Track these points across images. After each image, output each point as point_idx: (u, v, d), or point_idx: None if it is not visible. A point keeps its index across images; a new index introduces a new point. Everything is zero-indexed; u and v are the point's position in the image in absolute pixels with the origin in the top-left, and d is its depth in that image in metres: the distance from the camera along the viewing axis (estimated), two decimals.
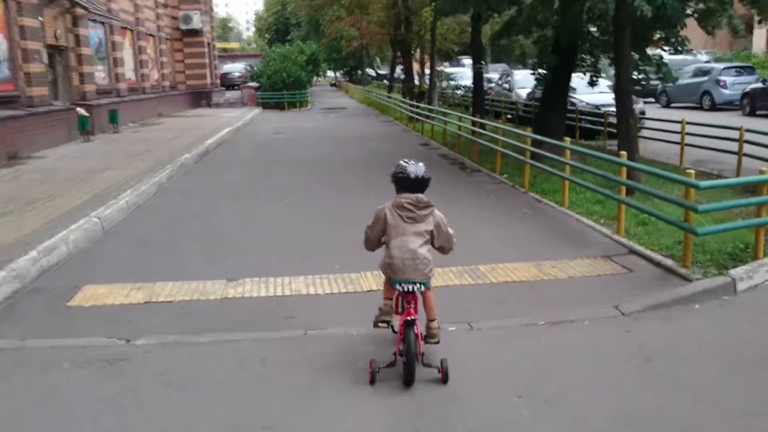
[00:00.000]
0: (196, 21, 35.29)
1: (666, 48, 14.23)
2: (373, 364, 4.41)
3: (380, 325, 4.61)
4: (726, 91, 26.83)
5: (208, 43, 38.78)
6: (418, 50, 33.34)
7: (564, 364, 4.69)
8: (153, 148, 16.75)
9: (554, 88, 14.30)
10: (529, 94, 23.26)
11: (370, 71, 70.97)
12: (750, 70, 28.50)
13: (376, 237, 4.59)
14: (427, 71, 27.00)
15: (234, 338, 5.12)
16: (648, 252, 7.04)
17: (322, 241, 8.24)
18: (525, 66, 67.46)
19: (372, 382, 4.38)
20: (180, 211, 10.15)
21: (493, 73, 44.98)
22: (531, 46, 66.12)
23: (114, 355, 4.84)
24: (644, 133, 16.47)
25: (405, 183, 4.49)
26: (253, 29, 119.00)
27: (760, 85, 24.61)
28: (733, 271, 6.17)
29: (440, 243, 4.57)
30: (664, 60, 13.99)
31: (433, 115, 20.80)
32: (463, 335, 5.19)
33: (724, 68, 28.18)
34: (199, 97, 36.63)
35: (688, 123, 13.68)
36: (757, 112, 23.85)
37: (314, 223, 9.19)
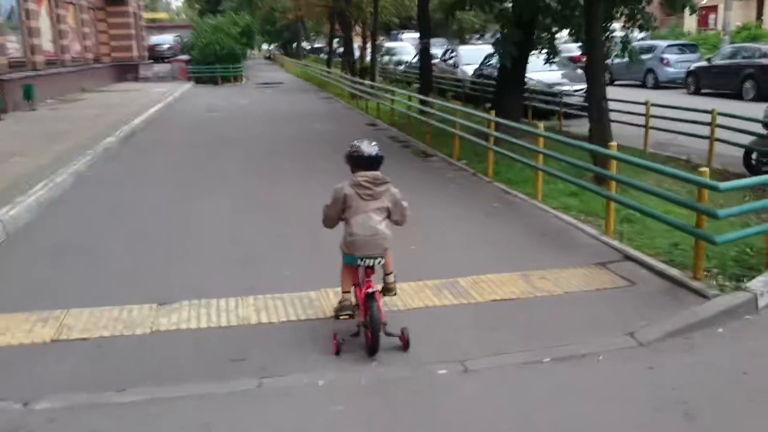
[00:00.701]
0: None
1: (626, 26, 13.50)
2: (338, 335, 4.54)
3: (342, 317, 4.66)
4: (670, 69, 26.61)
5: (134, 13, 36.49)
6: (357, 23, 32.09)
7: (585, 420, 3.76)
8: (73, 128, 15.11)
9: (512, 66, 13.41)
10: (476, 71, 22.40)
11: (306, 44, 69.06)
12: (693, 48, 28.39)
13: (336, 215, 4.70)
14: (369, 46, 25.79)
15: (166, 395, 3.99)
16: (646, 258, 6.19)
17: (268, 240, 7.16)
18: (462, 41, 67.06)
19: (337, 353, 4.51)
20: (102, 207, 8.81)
21: (433, 49, 44.30)
22: (470, 21, 65.48)
23: (5, 427, 3.65)
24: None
25: (360, 162, 4.66)
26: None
27: (704, 63, 24.43)
28: (751, 285, 5.38)
29: (396, 217, 4.75)
30: (629, 39, 13.27)
31: (379, 92, 19.71)
32: (458, 381, 4.20)
33: (668, 46, 27.97)
34: (126, 71, 34.42)
35: (652, 105, 13.01)
36: (702, 91, 23.66)
37: (256, 219, 8.09)
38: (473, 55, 25.89)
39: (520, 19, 12.39)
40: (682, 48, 28.11)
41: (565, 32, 14.45)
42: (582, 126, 15.87)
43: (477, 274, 5.94)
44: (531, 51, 13.67)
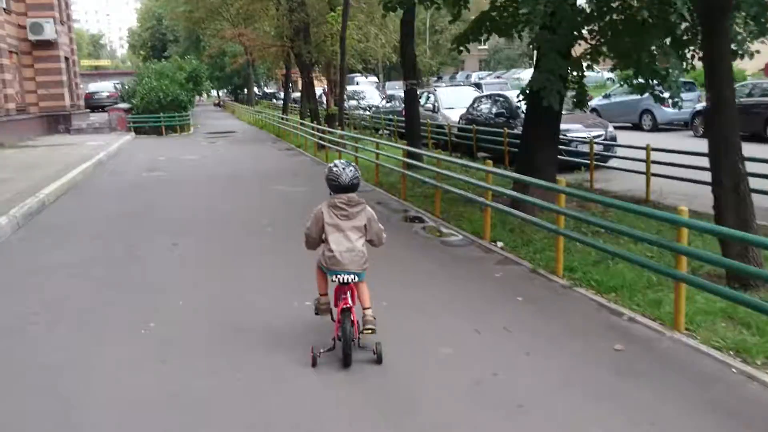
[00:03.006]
0: (49, 31, 29.13)
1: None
2: (314, 349, 4.84)
3: (321, 312, 5.21)
4: (669, 110, 24.05)
5: (66, 58, 32.61)
6: (316, 66, 28.95)
7: None
8: None
9: (542, 108, 10.24)
10: (464, 116, 19.31)
11: (257, 90, 65.90)
12: (691, 86, 25.97)
13: (317, 235, 4.98)
14: (331, 90, 22.57)
15: None
16: None
17: (228, 406, 3.69)
18: (419, 84, 64.91)
19: (314, 365, 4.78)
20: None
21: (390, 90, 41.28)
22: (427, 63, 63.16)
23: None
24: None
25: (338, 188, 4.91)
26: (127, 46, 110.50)
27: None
28: None
29: (371, 236, 5.00)
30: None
31: (354, 144, 16.40)
32: None
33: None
34: (56, 122, 30.38)
35: (655, 150, 10.31)
36: None
37: (211, 369, 4.71)
38: (453, 98, 22.96)
39: (567, 44, 9.26)
40: None
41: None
42: (616, 180, 12.94)
43: None
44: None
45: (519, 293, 6.46)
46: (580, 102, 10.91)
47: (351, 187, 4.90)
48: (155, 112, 31.39)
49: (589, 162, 13.08)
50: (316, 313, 5.24)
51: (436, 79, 63.67)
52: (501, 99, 17.74)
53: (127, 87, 35.54)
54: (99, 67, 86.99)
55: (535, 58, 10.40)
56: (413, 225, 10.01)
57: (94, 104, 42.38)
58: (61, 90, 30.62)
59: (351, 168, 4.93)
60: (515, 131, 15.78)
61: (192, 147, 24.63)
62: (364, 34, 24.95)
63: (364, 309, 4.91)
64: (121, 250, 8.66)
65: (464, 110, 20.69)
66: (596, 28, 9.80)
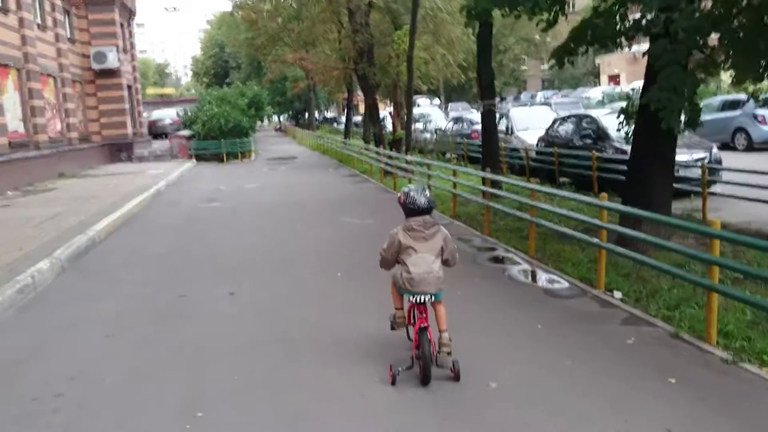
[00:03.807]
0: (112, 59, 29.03)
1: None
2: (394, 367, 4.92)
3: (398, 327, 5.30)
4: (766, 128, 22.01)
5: (129, 86, 32.51)
6: (379, 88, 27.89)
7: None
8: None
9: (657, 130, 8.74)
10: (543, 138, 17.79)
11: (317, 114, 65.54)
12: None
13: (392, 258, 5.08)
14: (398, 113, 21.35)
15: None
16: None
17: None
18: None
19: (393, 383, 4.85)
20: None
21: (453, 112, 39.83)
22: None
23: None
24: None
25: (414, 211, 5.02)
26: (191, 74, 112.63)
27: None
28: None
29: (446, 256, 5.06)
30: None
31: (421, 168, 15.10)
32: None
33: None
34: (119, 150, 30.18)
35: None
36: None
37: None
38: (528, 119, 21.44)
39: (687, 54, 7.76)
40: None
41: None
42: (726, 209, 11.28)
43: None
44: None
45: (667, 371, 4.96)
46: (693, 121, 9.32)
47: (427, 210, 5.03)
48: (216, 139, 30.86)
49: (699, 189, 11.43)
50: (392, 328, 5.37)
51: (499, 99, 62.20)
52: (587, 120, 16.16)
53: (189, 113, 35.28)
54: (164, 95, 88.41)
55: (645, 74, 8.90)
56: (505, 267, 8.58)
57: (157, 131, 42.49)
58: (123, 118, 30.42)
59: (426, 191, 5.11)
60: (604, 155, 14.24)
61: (253, 174, 23.77)
62: (431, 54, 23.73)
63: (441, 331, 5.01)
64: (170, 302, 7.50)
65: (540, 132, 19.20)
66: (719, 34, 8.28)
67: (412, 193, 5.04)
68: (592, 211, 10.58)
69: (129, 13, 33.96)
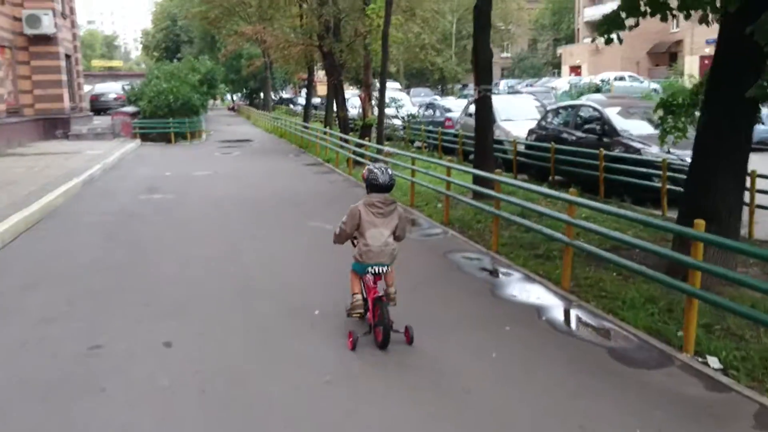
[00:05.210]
0: (47, 24, 25.91)
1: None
2: (354, 333, 5.29)
3: (354, 315, 5.48)
4: (761, 127, 20.49)
5: (68, 55, 29.41)
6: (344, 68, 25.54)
7: None
8: None
9: (733, 132, 6.83)
10: (534, 131, 15.84)
11: (273, 94, 62.62)
12: None
13: (350, 230, 5.44)
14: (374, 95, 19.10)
15: None
16: None
17: None
18: (444, 92, 61.36)
19: (353, 348, 5.22)
20: None
21: (415, 98, 37.58)
22: (452, 70, 59.71)
23: None
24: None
25: (376, 188, 5.39)
26: (141, 48, 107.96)
27: None
28: None
29: (398, 233, 5.48)
30: None
31: (409, 165, 12.98)
32: None
33: None
34: (54, 126, 27.16)
35: None
36: None
37: None
38: (512, 108, 19.44)
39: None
40: None
41: None
42: (765, 223, 9.51)
43: None
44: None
45: None
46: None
47: (388, 187, 5.42)
48: (164, 117, 28.17)
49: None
50: (348, 315, 5.54)
51: (461, 87, 60.17)
52: (589, 111, 14.24)
53: (135, 88, 32.35)
54: (112, 68, 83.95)
55: (714, 63, 6.92)
56: (538, 306, 6.50)
57: (100, 107, 39.22)
58: (60, 90, 27.36)
59: (389, 170, 5.48)
60: (613, 153, 12.36)
61: (203, 159, 21.29)
62: (404, 33, 21.51)
63: (388, 286, 5.50)
64: (76, 358, 5.23)
65: (526, 123, 17.29)
66: None
67: (375, 171, 5.40)
68: (622, 223, 8.71)
69: None
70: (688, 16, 6.67)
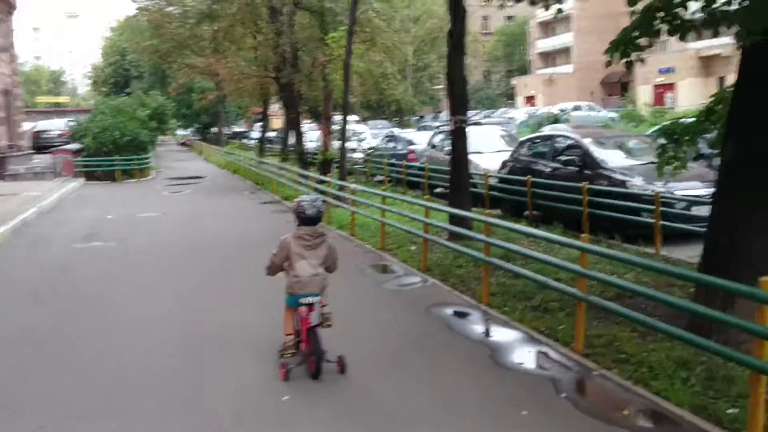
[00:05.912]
0: None
1: None
2: (287, 365, 5.38)
3: (286, 355, 5.46)
4: None
5: (7, 91, 27.75)
6: (301, 101, 24.44)
7: None
8: None
9: (759, 155, 5.89)
10: (507, 162, 14.89)
11: (225, 129, 61.06)
12: None
13: (280, 262, 5.52)
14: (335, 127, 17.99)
15: None
16: None
17: None
18: (402, 124, 60.78)
19: (286, 379, 5.30)
20: None
21: (373, 130, 36.46)
22: (410, 102, 59.24)
23: None
24: None
25: (304, 220, 5.46)
26: (89, 83, 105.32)
27: None
28: None
29: (328, 264, 5.56)
30: None
31: (379, 205, 11.84)
32: None
33: None
34: None
35: None
36: None
37: None
38: (479, 139, 18.44)
39: None
40: None
41: None
42: None
43: None
44: None
45: None
46: None
47: (316, 219, 5.48)
48: (109, 154, 26.60)
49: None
50: (281, 356, 5.48)
51: (417, 118, 59.63)
52: (567, 141, 13.36)
53: (79, 124, 30.68)
54: (59, 104, 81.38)
55: (738, 84, 5.99)
56: (556, 379, 5.37)
57: (43, 144, 37.06)
58: None
59: (318, 202, 5.58)
60: (596, 186, 11.46)
61: (151, 198, 19.82)
62: (366, 63, 20.58)
63: (323, 306, 5.49)
64: None
65: (497, 155, 16.36)
66: None
67: (304, 203, 5.49)
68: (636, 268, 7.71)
69: (8, 6, 29.14)
70: (716, 34, 5.73)
